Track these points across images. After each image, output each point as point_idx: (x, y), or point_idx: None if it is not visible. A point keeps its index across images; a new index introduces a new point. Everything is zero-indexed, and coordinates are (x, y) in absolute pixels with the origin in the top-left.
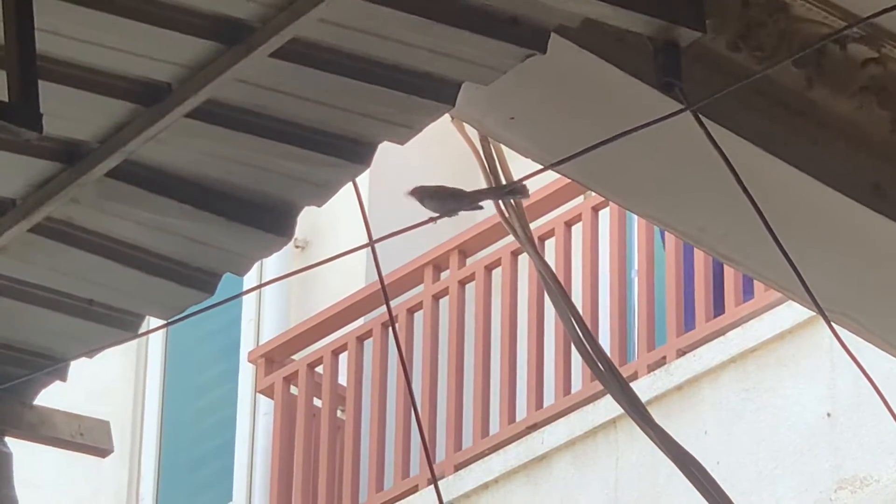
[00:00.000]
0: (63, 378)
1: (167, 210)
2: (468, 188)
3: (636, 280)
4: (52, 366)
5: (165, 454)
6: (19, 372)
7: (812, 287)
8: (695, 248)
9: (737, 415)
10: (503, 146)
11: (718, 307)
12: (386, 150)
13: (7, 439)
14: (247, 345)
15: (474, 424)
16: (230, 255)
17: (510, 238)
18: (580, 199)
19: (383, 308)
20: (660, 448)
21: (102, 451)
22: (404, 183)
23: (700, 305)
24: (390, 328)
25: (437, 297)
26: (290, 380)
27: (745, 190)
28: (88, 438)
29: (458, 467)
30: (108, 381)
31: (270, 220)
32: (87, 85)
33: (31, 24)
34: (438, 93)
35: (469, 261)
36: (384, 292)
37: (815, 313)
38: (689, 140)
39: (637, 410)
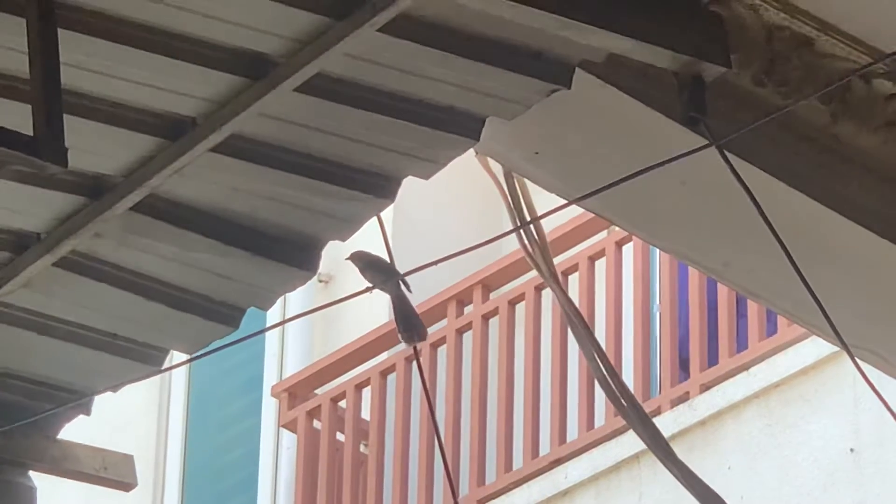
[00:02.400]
0: (87, 412)
1: (192, 244)
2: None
3: (658, 315)
4: (77, 400)
5: (188, 488)
6: (43, 406)
7: (836, 322)
8: (718, 283)
9: (760, 450)
10: (527, 181)
11: (742, 342)
12: (409, 185)
13: (31, 473)
14: (270, 379)
15: (498, 459)
16: (255, 289)
17: (533, 272)
18: (604, 233)
19: None
20: (683, 485)
21: (126, 485)
22: (428, 217)
23: (723, 340)
24: (414, 362)
25: (460, 332)
26: (313, 414)
27: (769, 225)
28: (112, 472)
29: (481, 502)
30: (131, 415)
31: (295, 255)
32: (112, 119)
33: (56, 58)
34: (463, 127)
35: (492, 295)
36: None
37: (838, 348)
38: (714, 174)
39: (660, 446)
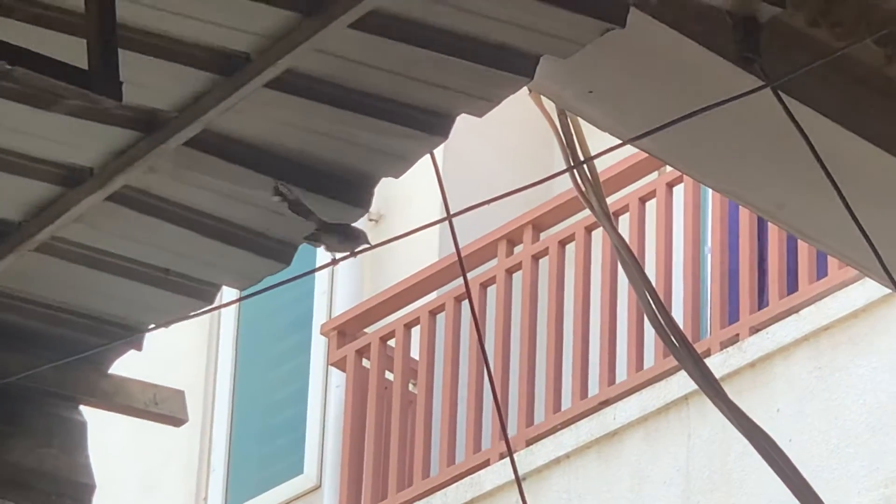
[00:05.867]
0: (139, 347)
1: (245, 180)
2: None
3: (709, 257)
4: (128, 335)
5: (237, 425)
6: (95, 341)
7: (888, 264)
8: (768, 225)
9: (809, 393)
10: (581, 120)
11: (792, 285)
12: (460, 123)
13: (82, 407)
14: (319, 317)
15: (546, 399)
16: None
17: (584, 213)
18: (654, 174)
19: (456, 282)
20: (733, 424)
21: (177, 420)
22: (479, 156)
23: (773, 283)
24: (465, 301)
25: (510, 272)
26: (362, 353)
27: (823, 166)
28: (163, 407)
29: (529, 442)
30: (181, 352)
31: (348, 191)
32: (167, 54)
33: None
34: (517, 65)
35: (542, 235)
36: (461, 266)
37: (889, 291)
38: (768, 116)
39: (711, 386)
